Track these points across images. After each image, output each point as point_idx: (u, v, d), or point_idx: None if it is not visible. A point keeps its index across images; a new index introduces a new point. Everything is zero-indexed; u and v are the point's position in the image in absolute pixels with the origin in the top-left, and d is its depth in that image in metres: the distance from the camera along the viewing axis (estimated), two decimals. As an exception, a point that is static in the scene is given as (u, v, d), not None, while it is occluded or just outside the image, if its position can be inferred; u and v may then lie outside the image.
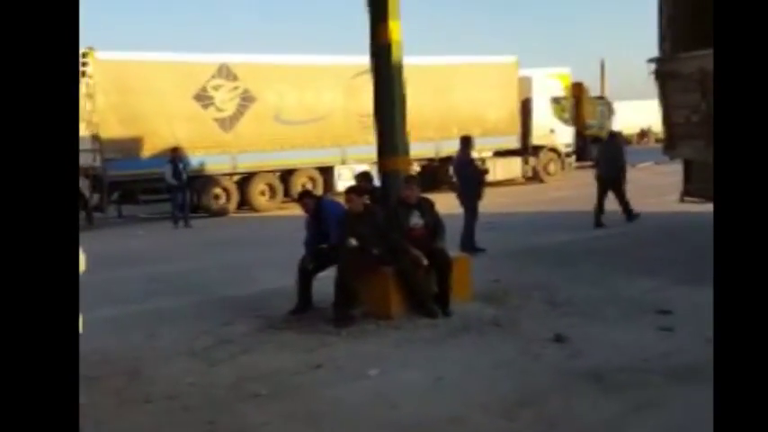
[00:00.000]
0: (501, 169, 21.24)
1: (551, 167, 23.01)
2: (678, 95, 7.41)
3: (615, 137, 12.82)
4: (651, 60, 7.50)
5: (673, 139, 7.61)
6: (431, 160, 19.83)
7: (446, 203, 8.43)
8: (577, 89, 25.15)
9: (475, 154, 12.10)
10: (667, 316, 5.65)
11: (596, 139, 27.07)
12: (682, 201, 7.92)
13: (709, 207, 8.06)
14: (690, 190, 7.76)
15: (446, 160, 17.79)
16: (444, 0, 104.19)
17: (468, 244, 9.26)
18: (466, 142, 9.89)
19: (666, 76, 7.44)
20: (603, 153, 12.35)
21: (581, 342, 5.12)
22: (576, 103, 24.73)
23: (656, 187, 14.56)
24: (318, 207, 6.81)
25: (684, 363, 4.56)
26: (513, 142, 21.69)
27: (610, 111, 28.76)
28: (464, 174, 9.77)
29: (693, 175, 7.70)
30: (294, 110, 17.97)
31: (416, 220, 6.31)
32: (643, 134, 48.22)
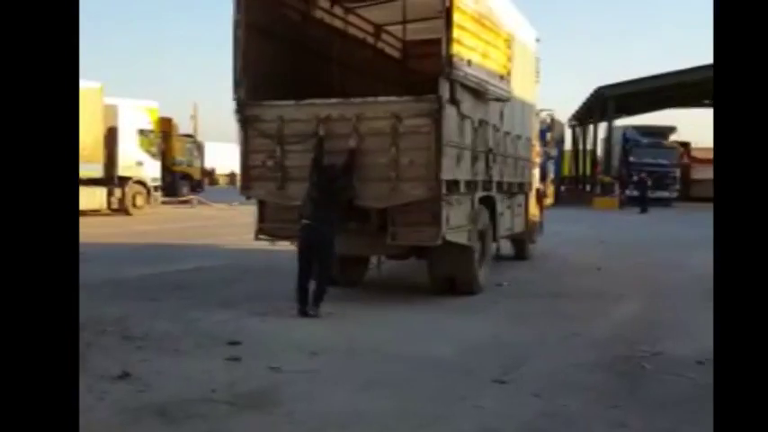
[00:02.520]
0: (84, 199, 19.91)
1: (138, 200, 22.52)
2: (257, 140, 7.97)
3: None
4: (235, 102, 7.94)
5: (249, 181, 8.12)
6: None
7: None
8: (166, 124, 25.26)
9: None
10: (237, 346, 5.94)
11: (185, 176, 27.50)
12: (256, 239, 8.47)
13: (280, 245, 8.86)
14: (264, 228, 8.35)
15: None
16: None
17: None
18: None
19: (247, 120, 7.95)
20: None
21: (152, 376, 5.07)
22: (165, 138, 24.77)
23: (238, 225, 15.32)
24: None
25: (248, 390, 4.84)
26: (98, 171, 20.63)
27: (199, 149, 29.52)
28: None
29: (267, 215, 8.31)
30: None
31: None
32: (233, 176, 50.69)
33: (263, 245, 9.26)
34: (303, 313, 7.23)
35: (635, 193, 30.12)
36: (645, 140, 33.96)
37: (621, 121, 37.69)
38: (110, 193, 21.30)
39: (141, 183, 22.66)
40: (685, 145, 38.47)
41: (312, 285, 7.37)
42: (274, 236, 8.39)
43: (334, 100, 7.89)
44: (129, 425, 4.21)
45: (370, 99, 7.84)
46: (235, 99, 7.94)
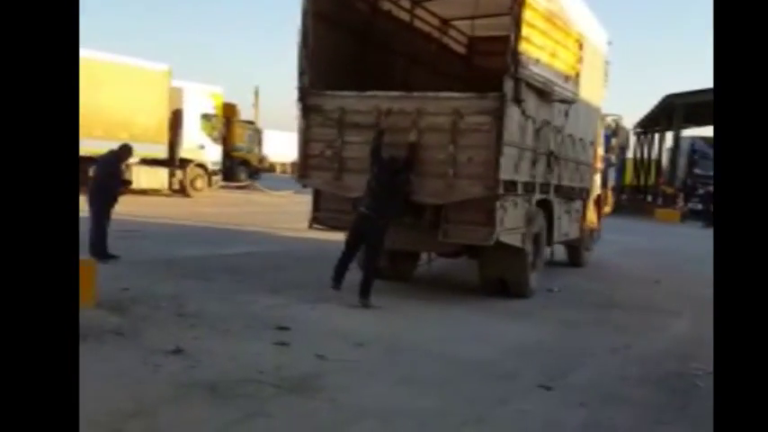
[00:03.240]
0: (146, 178, 20.52)
1: (198, 183, 22.95)
2: (317, 129, 8.02)
3: None
4: (298, 90, 8.00)
5: (306, 170, 8.18)
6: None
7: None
8: (229, 110, 25.59)
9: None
10: (285, 332, 6.02)
11: (244, 162, 27.92)
12: (310, 227, 8.53)
13: (333, 234, 8.90)
14: (318, 218, 8.39)
15: (86, 160, 16.52)
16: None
17: (99, 250, 8.78)
18: (126, 150, 9.69)
19: (309, 109, 8.01)
20: None
21: (202, 354, 5.18)
22: (227, 124, 25.13)
23: (293, 213, 15.50)
24: None
25: (295, 375, 4.90)
26: (161, 152, 21.13)
27: (259, 137, 29.90)
28: (110, 178, 9.38)
29: (322, 205, 8.35)
30: None
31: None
32: (295, 165, 51.03)
33: (316, 234, 9.35)
34: (336, 288, 7.44)
35: (699, 206, 29.16)
36: (713, 152, 32.85)
37: (690, 132, 36.57)
38: (171, 174, 21.78)
39: (202, 166, 23.09)
40: (755, 160, 37.04)
41: (352, 270, 7.48)
42: (328, 225, 8.44)
43: (395, 93, 7.87)
44: (182, 398, 4.32)
45: (432, 94, 7.80)
46: (298, 87, 8.01)
